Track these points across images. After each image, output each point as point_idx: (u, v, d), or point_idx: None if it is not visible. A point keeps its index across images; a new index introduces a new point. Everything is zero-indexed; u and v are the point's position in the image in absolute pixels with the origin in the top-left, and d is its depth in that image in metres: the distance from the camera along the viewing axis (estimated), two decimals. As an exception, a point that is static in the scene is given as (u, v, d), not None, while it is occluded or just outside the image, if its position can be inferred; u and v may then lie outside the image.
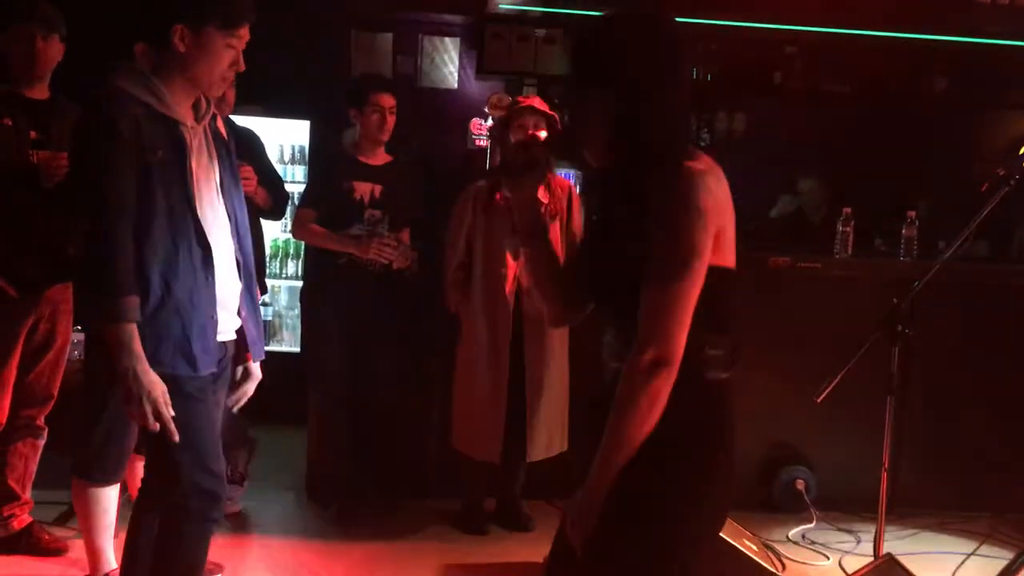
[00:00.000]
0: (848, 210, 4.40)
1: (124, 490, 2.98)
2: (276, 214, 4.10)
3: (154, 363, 2.30)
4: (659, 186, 1.71)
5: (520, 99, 3.90)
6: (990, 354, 4.29)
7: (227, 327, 2.50)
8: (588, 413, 1.92)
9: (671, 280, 1.68)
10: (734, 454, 1.84)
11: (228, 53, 2.35)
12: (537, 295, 1.98)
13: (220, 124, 2.55)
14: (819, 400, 3.27)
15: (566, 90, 1.86)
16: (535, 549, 3.43)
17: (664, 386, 1.69)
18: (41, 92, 3.27)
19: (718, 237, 1.72)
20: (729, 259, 1.78)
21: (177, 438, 2.33)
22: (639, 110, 1.74)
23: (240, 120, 4.06)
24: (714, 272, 1.73)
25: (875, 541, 3.42)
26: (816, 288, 4.27)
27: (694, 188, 1.69)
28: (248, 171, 3.70)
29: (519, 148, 1.91)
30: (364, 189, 3.95)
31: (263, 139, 4.16)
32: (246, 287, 2.56)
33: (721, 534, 3.18)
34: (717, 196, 1.72)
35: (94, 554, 3.00)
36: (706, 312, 1.73)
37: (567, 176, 4.88)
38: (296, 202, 4.41)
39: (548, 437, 3.82)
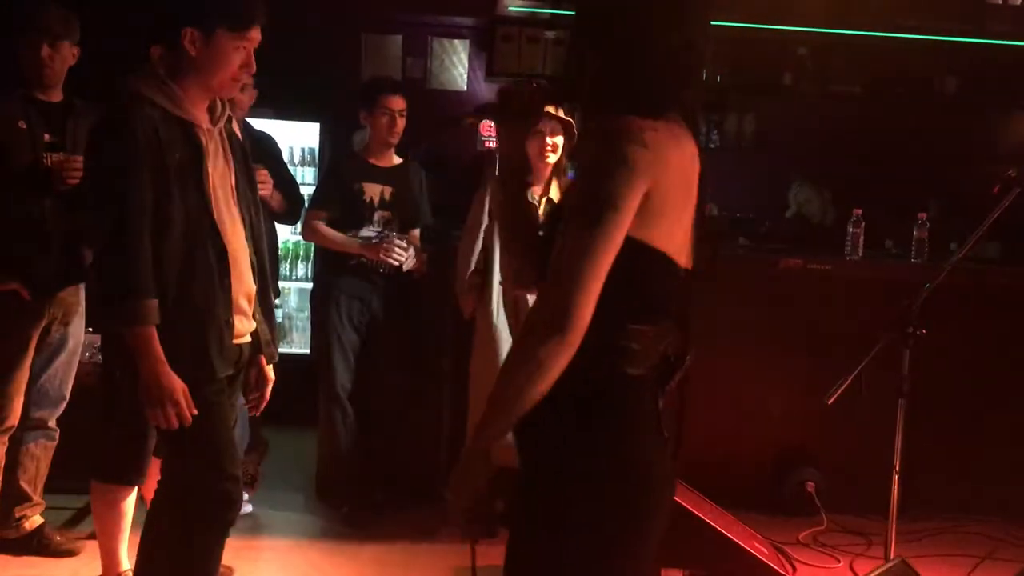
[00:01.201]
0: (859, 211, 4.39)
1: (139, 492, 2.99)
2: (291, 218, 4.11)
3: (170, 365, 2.31)
4: (597, 138, 1.57)
5: None
6: (1002, 356, 4.27)
7: (243, 330, 2.51)
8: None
9: (580, 228, 1.50)
10: (649, 468, 1.63)
11: (239, 55, 2.36)
12: (503, 246, 1.85)
13: (235, 126, 2.56)
14: (830, 402, 3.26)
15: (567, 38, 1.77)
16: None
17: (553, 356, 1.49)
18: (55, 95, 3.29)
19: (649, 204, 1.53)
20: (663, 241, 1.58)
21: (191, 442, 2.34)
22: (624, 65, 1.61)
23: (251, 122, 4.08)
24: (641, 249, 1.55)
25: (886, 544, 3.41)
26: (827, 290, 4.26)
27: (625, 139, 1.53)
28: (264, 175, 3.71)
29: (513, 93, 1.77)
30: (374, 191, 3.96)
31: (276, 141, 4.17)
32: (261, 290, 2.56)
33: (731, 536, 3.18)
34: (657, 156, 1.53)
35: (108, 555, 3.02)
36: (628, 295, 1.56)
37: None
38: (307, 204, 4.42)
39: None
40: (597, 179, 1.53)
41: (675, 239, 1.61)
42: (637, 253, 1.56)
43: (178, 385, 2.31)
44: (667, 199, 1.57)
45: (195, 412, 2.33)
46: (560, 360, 1.50)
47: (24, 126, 3.18)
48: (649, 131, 1.55)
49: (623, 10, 1.63)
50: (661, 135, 1.57)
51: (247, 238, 2.51)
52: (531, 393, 1.52)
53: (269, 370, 2.66)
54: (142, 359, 2.28)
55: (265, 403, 2.71)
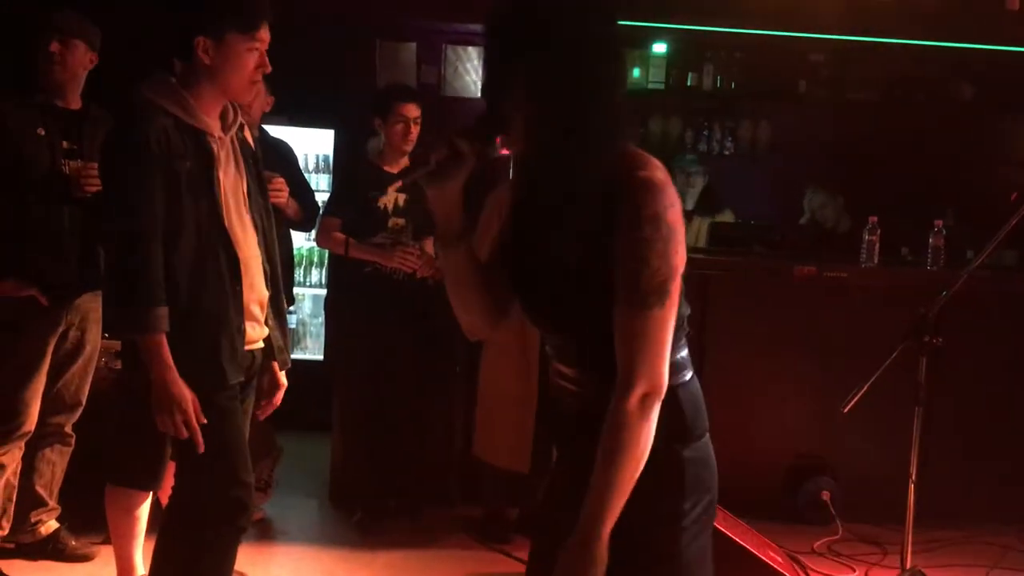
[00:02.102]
0: (874, 219, 4.37)
1: (155, 497, 3.00)
2: (306, 225, 4.13)
3: (182, 373, 2.32)
4: (622, 201, 1.53)
5: None
6: (1019, 364, 4.24)
7: (255, 336, 2.52)
8: (552, 440, 1.81)
9: (651, 308, 1.53)
10: (707, 442, 1.72)
11: (252, 56, 2.37)
12: (454, 302, 1.76)
13: (247, 134, 2.57)
14: (846, 410, 3.25)
15: (484, 65, 1.66)
16: (558, 559, 3.41)
17: (655, 415, 1.55)
18: (74, 102, 3.31)
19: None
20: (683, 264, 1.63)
21: (204, 448, 2.34)
22: (569, 86, 1.53)
23: (268, 130, 4.09)
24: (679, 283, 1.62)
25: (902, 553, 3.38)
26: (842, 297, 4.24)
27: (662, 204, 1.52)
28: (280, 183, 3.73)
29: (439, 149, 1.64)
30: (388, 198, 3.96)
31: (292, 148, 4.19)
32: (273, 296, 2.57)
33: (746, 545, 3.17)
34: (678, 206, 1.56)
35: (123, 561, 3.02)
36: (678, 324, 1.63)
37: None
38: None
39: None
40: (649, 254, 1.52)
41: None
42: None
43: (187, 394, 2.31)
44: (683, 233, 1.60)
45: (204, 421, 2.33)
46: (657, 414, 1.56)
47: (43, 133, 3.20)
48: (666, 184, 1.55)
49: (570, 21, 1.55)
50: (668, 181, 1.57)
51: (259, 244, 2.51)
52: (645, 458, 1.56)
53: (282, 376, 2.67)
54: (152, 366, 2.29)
55: (274, 408, 2.71)
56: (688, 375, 1.69)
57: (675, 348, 1.62)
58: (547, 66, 1.53)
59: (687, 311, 1.68)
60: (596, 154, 1.56)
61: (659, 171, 1.57)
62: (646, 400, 1.54)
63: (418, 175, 1.62)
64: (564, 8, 1.56)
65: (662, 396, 1.56)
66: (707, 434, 1.72)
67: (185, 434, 2.31)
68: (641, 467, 1.55)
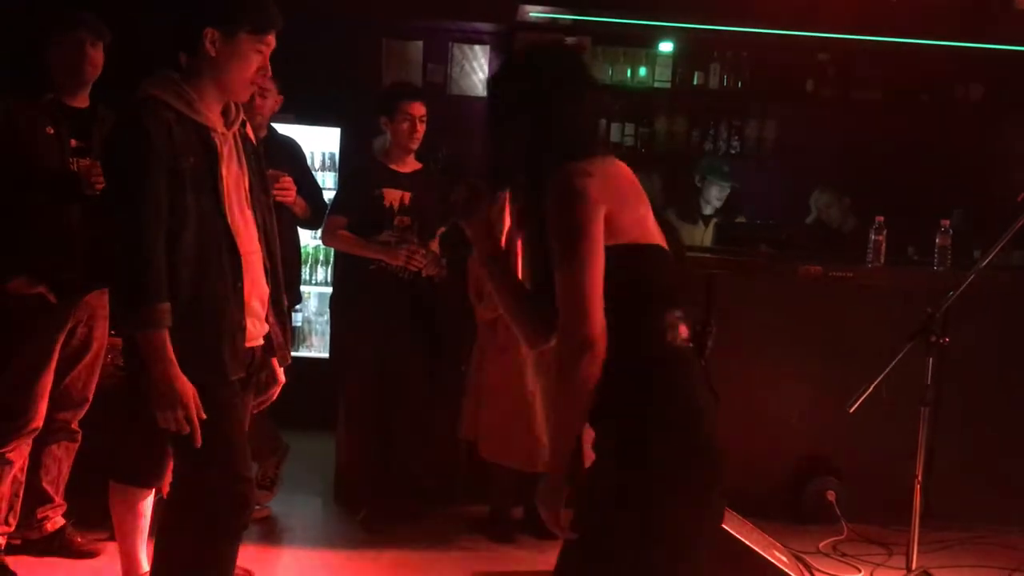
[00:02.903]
0: (881, 218, 4.36)
1: (158, 491, 3.00)
2: (314, 223, 4.13)
3: (183, 368, 2.32)
4: (549, 187, 1.84)
5: None
6: (1026, 365, 4.23)
7: (255, 333, 2.52)
8: None
9: (567, 265, 1.78)
10: (701, 417, 1.85)
11: (256, 58, 2.38)
12: (507, 316, 2.04)
13: (249, 130, 2.58)
14: (852, 411, 3.24)
15: (487, 123, 2.03)
16: (563, 557, 3.42)
17: (591, 366, 1.75)
18: (82, 100, 3.31)
19: (615, 217, 1.81)
20: (643, 235, 1.87)
21: (204, 444, 2.35)
22: (550, 126, 1.89)
23: (277, 127, 4.09)
24: (631, 249, 1.83)
25: (908, 554, 3.38)
26: (848, 297, 4.23)
27: (570, 176, 1.81)
28: (288, 181, 3.73)
29: (457, 189, 2.02)
30: (394, 196, 3.97)
31: (300, 147, 4.19)
32: (274, 293, 2.57)
33: (751, 545, 3.16)
34: (600, 181, 1.82)
35: (127, 557, 3.03)
36: (643, 288, 1.85)
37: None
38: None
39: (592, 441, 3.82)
40: (562, 217, 1.80)
41: (651, 230, 1.89)
42: (631, 253, 1.84)
43: (188, 389, 2.31)
44: (626, 203, 1.86)
45: (204, 416, 2.34)
46: (596, 369, 1.77)
47: (52, 131, 3.21)
48: (582, 166, 1.84)
49: (548, 82, 1.91)
50: (597, 164, 1.87)
51: (260, 241, 2.52)
52: (585, 406, 1.78)
53: (280, 372, 2.67)
54: (153, 362, 2.29)
55: (270, 403, 2.71)
56: (680, 355, 1.85)
57: (664, 319, 1.83)
58: (535, 118, 1.89)
59: (670, 282, 1.88)
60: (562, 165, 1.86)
61: (588, 163, 1.85)
62: (577, 351, 1.75)
63: (454, 218, 1.99)
64: (547, 70, 1.93)
65: (595, 345, 1.75)
66: (707, 403, 1.87)
67: (187, 429, 2.32)
68: (577, 411, 1.79)
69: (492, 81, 2.02)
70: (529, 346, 2.07)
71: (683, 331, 1.87)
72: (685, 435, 1.83)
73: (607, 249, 1.80)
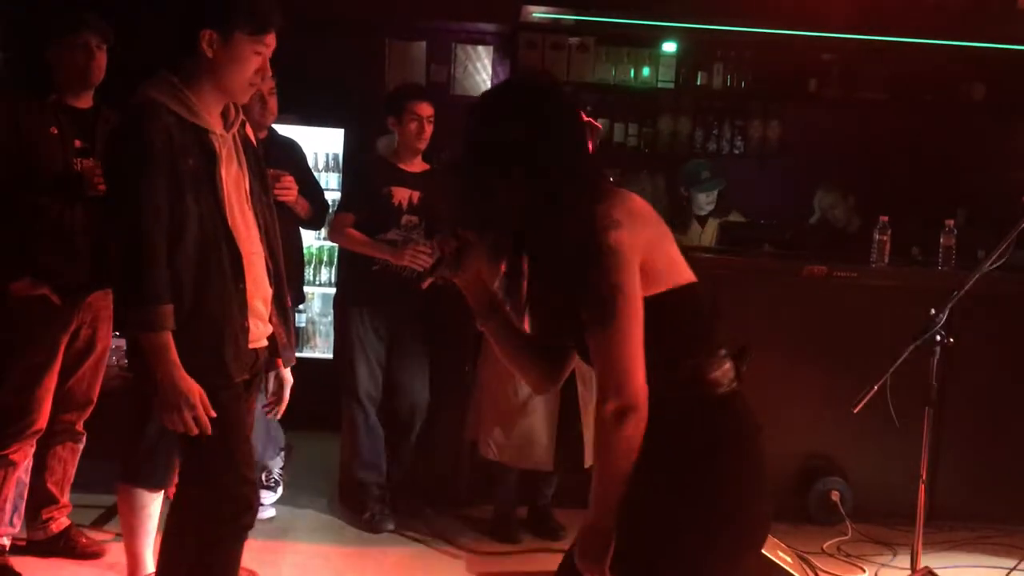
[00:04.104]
0: (885, 218, 4.35)
1: (166, 493, 3.01)
2: (315, 223, 4.13)
3: (186, 371, 2.32)
4: (572, 236, 1.72)
5: None
6: (1030, 365, 4.23)
7: (258, 334, 2.52)
8: None
9: (604, 326, 1.68)
10: (758, 464, 1.84)
11: (255, 59, 2.38)
12: (511, 366, 1.99)
13: (249, 131, 2.58)
14: (856, 410, 3.24)
15: (463, 172, 1.86)
16: (567, 558, 3.42)
17: (635, 428, 1.69)
18: (86, 101, 3.32)
19: (650, 265, 1.73)
20: (679, 278, 1.79)
21: (208, 444, 2.35)
22: (546, 173, 1.76)
23: (277, 128, 4.10)
24: (668, 296, 1.75)
25: (912, 554, 3.37)
26: (852, 297, 4.23)
27: (599, 232, 1.70)
28: (289, 181, 3.73)
29: (445, 243, 1.94)
30: (403, 195, 3.97)
31: (301, 147, 4.19)
32: (277, 293, 2.58)
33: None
34: (628, 229, 1.72)
35: (134, 558, 3.04)
36: (684, 335, 1.78)
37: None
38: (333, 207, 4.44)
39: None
40: (597, 278, 1.69)
41: (681, 265, 1.81)
42: (670, 300, 1.75)
43: (195, 389, 2.31)
44: (656, 246, 1.77)
45: (213, 414, 2.34)
46: (640, 430, 1.71)
47: (56, 132, 3.21)
48: (610, 209, 1.72)
49: (535, 126, 1.76)
50: (616, 207, 1.74)
51: (262, 242, 2.52)
52: (630, 466, 1.72)
53: (287, 373, 2.67)
54: (158, 364, 2.29)
55: (284, 406, 2.72)
56: (725, 391, 1.80)
57: (707, 360, 1.78)
58: (526, 164, 1.76)
59: (708, 324, 1.82)
60: (576, 214, 1.74)
61: (609, 201, 1.74)
62: (620, 415, 1.69)
63: (442, 272, 1.90)
64: (530, 114, 1.77)
65: (638, 410, 1.69)
66: (751, 454, 1.83)
67: (196, 430, 2.32)
68: (622, 471, 1.71)
69: (474, 130, 1.82)
70: (536, 391, 2.03)
71: (729, 370, 1.83)
72: (749, 474, 1.81)
73: (646, 301, 1.71)
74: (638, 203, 1.79)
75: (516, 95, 1.83)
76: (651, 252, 1.74)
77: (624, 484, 1.72)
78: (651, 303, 1.72)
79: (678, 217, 5.38)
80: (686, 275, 1.81)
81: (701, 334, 1.81)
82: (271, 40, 2.39)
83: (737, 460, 1.81)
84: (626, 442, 1.69)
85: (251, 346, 2.48)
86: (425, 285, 2.02)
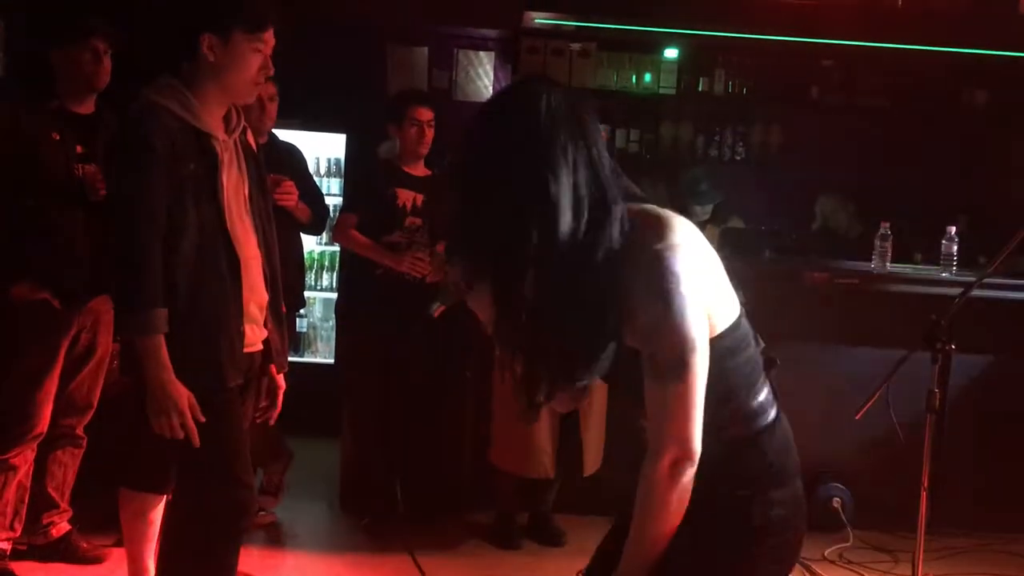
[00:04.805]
0: (886, 224, 4.35)
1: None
2: (316, 229, 4.14)
3: (181, 375, 2.32)
4: (635, 278, 1.55)
5: None
6: (1033, 371, 4.22)
7: (254, 338, 2.52)
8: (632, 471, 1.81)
9: (671, 382, 1.57)
10: (793, 488, 1.80)
11: (256, 57, 2.38)
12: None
13: (250, 137, 2.58)
14: (858, 417, 3.23)
15: (460, 201, 1.63)
16: (568, 564, 3.41)
17: (688, 479, 1.60)
18: (88, 107, 3.32)
19: (713, 308, 1.61)
20: (732, 313, 1.67)
21: (203, 450, 2.35)
22: (548, 191, 1.53)
23: (278, 133, 4.10)
24: (725, 337, 1.64)
25: (914, 562, 3.36)
26: (854, 303, 4.22)
27: (672, 276, 1.54)
28: (290, 186, 3.74)
29: (450, 270, 1.82)
30: (407, 197, 3.98)
31: (302, 152, 4.20)
32: (272, 299, 2.58)
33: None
34: (697, 267, 1.58)
35: (135, 563, 3.03)
36: (739, 374, 1.68)
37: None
38: (335, 213, 4.45)
39: (596, 450, 3.83)
40: (668, 331, 1.55)
41: (731, 297, 1.69)
42: (729, 340, 1.65)
43: (184, 394, 2.31)
44: (717, 286, 1.63)
45: (202, 420, 2.34)
46: (692, 474, 1.61)
47: (57, 137, 3.21)
48: (674, 249, 1.55)
49: (534, 139, 1.56)
50: (678, 244, 1.56)
51: (260, 247, 2.52)
52: (679, 516, 1.62)
53: (280, 379, 2.67)
54: (149, 367, 2.29)
55: (278, 412, 2.72)
56: (767, 419, 1.72)
57: (749, 395, 1.69)
58: (525, 182, 1.54)
59: (751, 355, 1.72)
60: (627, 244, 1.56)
61: (673, 234, 1.56)
62: (676, 466, 1.59)
63: (449, 298, 1.83)
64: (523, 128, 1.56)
65: (694, 460, 1.60)
66: (797, 477, 1.80)
67: (181, 435, 2.32)
68: (671, 525, 1.62)
69: (472, 146, 1.61)
70: (559, 408, 1.91)
71: (768, 394, 1.75)
72: (794, 497, 1.78)
73: (710, 343, 1.60)
74: (692, 233, 1.61)
75: (515, 99, 1.63)
76: (714, 292, 1.63)
77: (666, 541, 1.63)
78: (713, 346, 1.61)
79: None
80: (735, 305, 1.69)
81: (751, 368, 1.72)
82: (270, 37, 2.40)
83: (781, 490, 1.75)
84: (681, 495, 1.61)
85: (246, 350, 2.49)
86: (436, 314, 1.92)
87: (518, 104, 1.60)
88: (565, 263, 1.55)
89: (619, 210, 1.57)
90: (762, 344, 1.79)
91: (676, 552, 1.64)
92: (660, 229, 1.57)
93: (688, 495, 1.61)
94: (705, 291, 1.59)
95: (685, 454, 1.59)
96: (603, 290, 1.56)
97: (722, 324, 1.64)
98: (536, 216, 1.54)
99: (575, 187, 1.55)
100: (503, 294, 1.60)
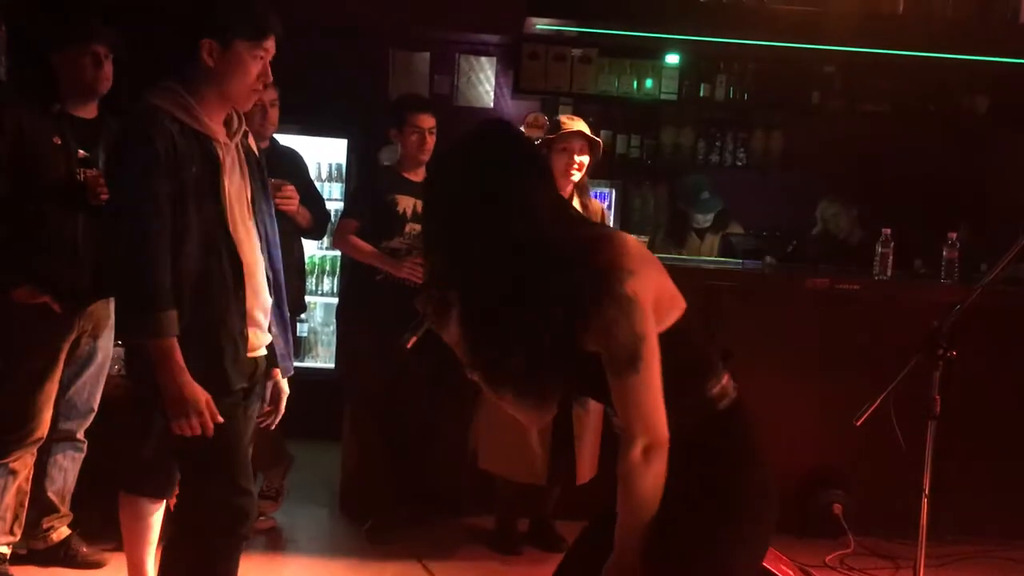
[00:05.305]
0: (888, 231, 4.35)
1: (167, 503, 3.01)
2: (317, 233, 4.14)
3: None
4: (585, 287, 1.74)
5: (563, 120, 3.89)
6: (1034, 378, 4.21)
7: (258, 343, 2.52)
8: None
9: (631, 375, 1.74)
10: (769, 465, 1.92)
11: (256, 65, 2.39)
12: (507, 408, 2.03)
13: (251, 141, 2.58)
14: (858, 424, 3.23)
15: (437, 236, 1.88)
16: (568, 570, 3.41)
17: (661, 464, 1.76)
18: (90, 111, 3.33)
19: (657, 305, 1.78)
20: (678, 310, 1.84)
21: (203, 454, 2.35)
22: (518, 222, 1.75)
23: (278, 138, 4.11)
24: (673, 330, 1.81)
25: (915, 568, 3.36)
26: (855, 310, 4.22)
27: (618, 282, 1.73)
28: (291, 190, 3.74)
29: (423, 303, 1.93)
30: (407, 203, 3.98)
31: (303, 157, 4.20)
32: (276, 303, 2.58)
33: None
34: (642, 274, 1.76)
35: (135, 567, 3.03)
36: (688, 362, 1.84)
37: (600, 197, 4.89)
38: (336, 218, 4.45)
39: (591, 459, 3.82)
40: (619, 329, 1.73)
41: (676, 296, 1.86)
42: (676, 334, 1.81)
43: (202, 395, 2.32)
44: (660, 286, 1.81)
45: (220, 420, 2.34)
46: (665, 461, 1.76)
47: (59, 141, 3.22)
48: (618, 259, 1.74)
49: (505, 175, 1.78)
50: (619, 249, 1.76)
51: (263, 251, 2.52)
52: (657, 503, 1.77)
53: (284, 384, 2.67)
54: (164, 370, 2.29)
55: (280, 416, 2.71)
56: (726, 404, 1.88)
57: (706, 382, 1.85)
58: (498, 212, 1.76)
59: (703, 347, 1.89)
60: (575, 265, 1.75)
61: (617, 249, 1.76)
62: (648, 452, 1.75)
63: (423, 328, 1.93)
64: (496, 166, 1.79)
65: (664, 445, 1.75)
66: (766, 465, 1.91)
67: (200, 433, 2.32)
68: (652, 508, 1.77)
69: (441, 185, 1.85)
70: (531, 425, 2.09)
71: (727, 381, 1.90)
72: (768, 475, 1.90)
73: (662, 337, 1.78)
74: (635, 244, 1.82)
75: (479, 146, 1.84)
76: (658, 292, 1.80)
77: (648, 522, 1.77)
78: (661, 339, 1.77)
79: (676, 230, 5.38)
80: (681, 303, 1.86)
81: (701, 356, 1.89)
82: (270, 45, 2.40)
83: (755, 466, 1.89)
84: (655, 479, 1.75)
85: (250, 354, 2.48)
86: (409, 344, 1.97)
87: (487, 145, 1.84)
88: (516, 272, 1.77)
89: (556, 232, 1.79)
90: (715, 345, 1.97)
91: (657, 536, 1.77)
92: (606, 245, 1.78)
93: (663, 478, 1.76)
94: (648, 291, 1.76)
95: (654, 440, 1.74)
96: (553, 297, 1.76)
97: (669, 320, 1.81)
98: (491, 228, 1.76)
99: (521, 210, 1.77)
100: (466, 297, 1.83)
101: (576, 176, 3.80)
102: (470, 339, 1.86)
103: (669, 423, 1.76)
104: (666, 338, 1.78)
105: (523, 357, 1.83)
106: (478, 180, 1.77)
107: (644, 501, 1.76)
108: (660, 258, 1.94)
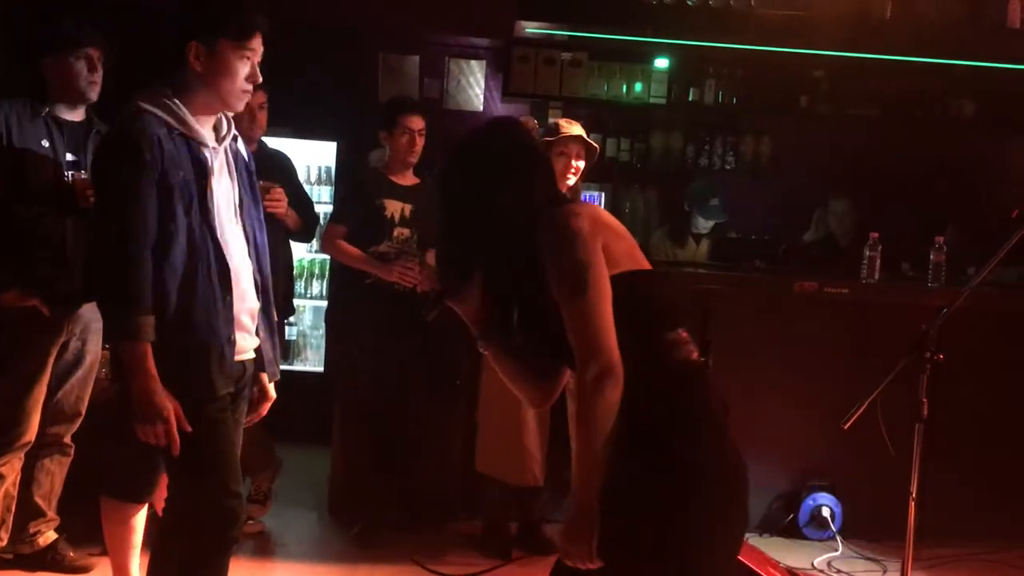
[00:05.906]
0: (875, 235, 4.37)
1: (150, 506, 2.99)
2: (306, 236, 4.13)
3: (171, 383, 2.32)
4: (541, 233, 1.90)
5: (561, 124, 3.88)
6: (1020, 382, 4.23)
7: (245, 346, 2.52)
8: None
9: (577, 298, 1.83)
10: (723, 429, 1.94)
11: (243, 65, 2.38)
12: (509, 383, 2.08)
13: (240, 144, 2.58)
14: (846, 427, 3.24)
15: (444, 221, 2.08)
16: (558, 573, 3.41)
17: (612, 392, 1.80)
18: (78, 114, 3.32)
19: (609, 248, 1.88)
20: (637, 265, 1.94)
21: (191, 459, 2.34)
22: (515, 202, 1.94)
23: (268, 141, 4.11)
24: (629, 276, 1.90)
25: (902, 571, 3.37)
26: (843, 314, 4.24)
27: (562, 219, 1.88)
28: (279, 193, 3.73)
29: (441, 278, 2.08)
30: (395, 207, 3.98)
31: (291, 160, 4.20)
32: (264, 307, 2.57)
33: (745, 561, 3.15)
34: (592, 216, 1.91)
35: (119, 571, 3.01)
36: (648, 311, 1.92)
37: (591, 200, 4.90)
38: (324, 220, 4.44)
39: None
40: (565, 257, 1.85)
41: (641, 257, 1.97)
42: (630, 280, 1.90)
43: (169, 404, 2.31)
44: (617, 236, 1.94)
45: (187, 430, 2.33)
46: (618, 394, 1.81)
47: (47, 145, 3.21)
48: (571, 207, 1.94)
49: (507, 165, 1.98)
50: (576, 206, 1.99)
51: (251, 255, 2.52)
52: (609, 432, 1.80)
53: (271, 388, 2.67)
54: (134, 375, 2.29)
55: (260, 418, 2.70)
56: (685, 363, 1.92)
57: (661, 332, 1.91)
58: (502, 198, 1.95)
59: (663, 300, 1.97)
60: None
61: (574, 206, 1.95)
62: (599, 380, 1.79)
63: (437, 305, 2.04)
64: (500, 157, 1.99)
65: (616, 374, 1.80)
66: (727, 437, 1.92)
67: (165, 443, 2.31)
68: (603, 438, 1.80)
69: (448, 180, 2.05)
70: (534, 406, 2.11)
71: (690, 347, 1.94)
72: (709, 446, 1.89)
73: (617, 277, 1.86)
74: (592, 207, 2.00)
75: (483, 144, 2.06)
76: (611, 237, 1.91)
77: (604, 454, 1.80)
78: (614, 281, 1.85)
79: (676, 232, 5.37)
80: (644, 263, 1.96)
81: (662, 310, 1.95)
82: (257, 44, 2.40)
83: (712, 430, 1.91)
84: (606, 406, 1.79)
85: (237, 358, 2.48)
86: (430, 319, 2.10)
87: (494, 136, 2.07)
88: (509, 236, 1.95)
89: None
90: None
91: (613, 494, 1.81)
92: (568, 205, 1.97)
93: (614, 411, 1.79)
94: (594, 233, 1.87)
95: (605, 367, 1.80)
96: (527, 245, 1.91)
97: (629, 266, 1.91)
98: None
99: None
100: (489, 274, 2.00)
101: (571, 180, 3.81)
102: (492, 312, 1.99)
103: (625, 369, 1.80)
104: (620, 281, 1.86)
105: (523, 319, 1.95)
106: (495, 170, 1.95)
107: (595, 429, 1.79)
108: (652, 261, 2.04)
